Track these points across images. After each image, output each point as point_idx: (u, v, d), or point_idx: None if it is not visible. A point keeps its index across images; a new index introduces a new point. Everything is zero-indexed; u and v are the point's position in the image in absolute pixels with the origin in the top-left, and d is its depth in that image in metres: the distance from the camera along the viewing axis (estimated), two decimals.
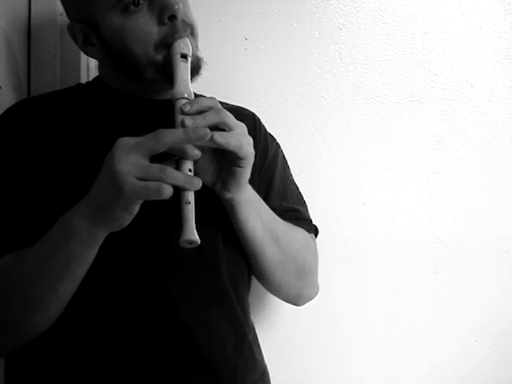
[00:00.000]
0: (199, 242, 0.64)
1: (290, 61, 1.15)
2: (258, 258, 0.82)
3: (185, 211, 0.64)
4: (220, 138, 0.67)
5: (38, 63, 1.00)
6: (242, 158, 0.70)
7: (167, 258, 0.77)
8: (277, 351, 1.11)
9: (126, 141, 0.63)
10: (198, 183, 0.64)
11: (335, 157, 1.16)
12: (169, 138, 0.62)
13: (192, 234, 0.64)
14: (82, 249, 0.68)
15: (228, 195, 0.75)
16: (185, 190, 0.65)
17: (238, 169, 0.72)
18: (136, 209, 0.64)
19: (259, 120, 0.95)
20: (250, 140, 0.72)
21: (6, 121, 0.80)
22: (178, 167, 0.66)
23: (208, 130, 0.64)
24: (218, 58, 1.10)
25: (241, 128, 0.71)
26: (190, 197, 0.65)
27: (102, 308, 0.75)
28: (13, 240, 0.72)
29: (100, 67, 0.85)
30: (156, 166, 0.62)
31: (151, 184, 0.61)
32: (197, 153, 0.65)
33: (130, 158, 0.62)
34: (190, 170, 0.66)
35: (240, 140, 0.69)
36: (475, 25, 1.21)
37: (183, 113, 0.67)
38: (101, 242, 0.68)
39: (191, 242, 0.64)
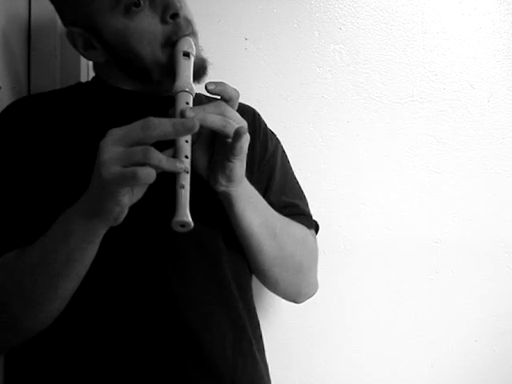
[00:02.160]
0: (192, 224, 0.63)
1: (289, 61, 1.15)
2: (256, 253, 0.81)
3: (178, 195, 0.63)
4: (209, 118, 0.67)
5: (37, 63, 1.00)
6: (233, 152, 0.69)
7: (168, 254, 0.77)
8: (277, 351, 1.11)
9: (114, 132, 0.62)
10: (180, 164, 0.62)
11: (335, 157, 1.16)
12: (156, 131, 0.61)
13: (184, 215, 0.62)
14: (82, 245, 0.67)
15: (221, 188, 0.74)
16: (179, 174, 0.63)
17: (229, 163, 0.71)
18: (124, 200, 0.63)
19: (259, 115, 0.95)
20: (247, 137, 0.72)
21: (5, 118, 0.80)
22: (174, 154, 0.65)
23: (196, 121, 0.62)
24: (218, 58, 1.10)
25: (242, 123, 0.71)
26: (185, 181, 0.64)
27: (102, 304, 0.75)
28: (14, 238, 0.72)
29: (101, 69, 0.84)
30: (137, 149, 0.60)
31: (127, 169, 0.59)
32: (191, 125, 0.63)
33: (114, 148, 0.61)
34: (186, 157, 0.65)
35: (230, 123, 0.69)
36: (475, 25, 1.21)
37: (182, 116, 0.67)
38: (101, 237, 0.68)
39: (183, 224, 0.63)
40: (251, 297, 0.89)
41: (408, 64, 1.19)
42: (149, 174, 0.59)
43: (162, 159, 0.60)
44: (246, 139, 0.70)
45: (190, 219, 0.63)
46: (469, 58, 1.21)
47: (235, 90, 0.72)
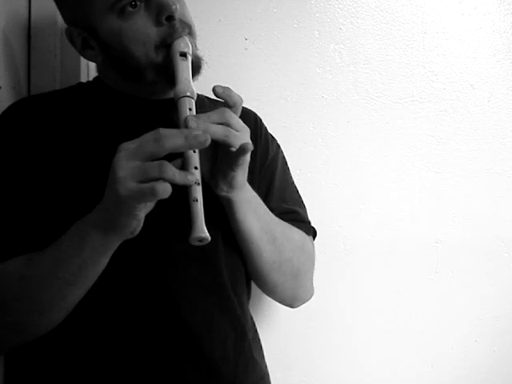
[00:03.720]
0: (209, 238, 0.64)
1: (290, 61, 1.15)
2: (255, 257, 0.82)
3: (193, 209, 0.64)
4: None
5: (37, 63, 1.00)
6: (236, 163, 0.70)
7: (168, 258, 0.77)
8: (277, 351, 1.11)
9: (127, 146, 0.63)
10: (191, 177, 0.63)
11: (335, 157, 1.16)
12: (169, 143, 0.61)
13: (202, 231, 0.63)
14: (95, 257, 0.68)
15: (222, 193, 0.75)
16: (191, 187, 0.64)
17: (231, 172, 0.72)
18: (140, 214, 0.64)
19: (260, 120, 0.95)
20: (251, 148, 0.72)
21: (6, 119, 0.79)
22: (183, 165, 0.65)
23: (208, 135, 0.63)
24: (218, 58, 1.10)
25: (245, 131, 0.71)
26: (197, 194, 0.64)
27: (102, 308, 0.75)
28: (19, 243, 0.72)
29: (99, 70, 0.85)
30: (153, 164, 0.61)
31: (145, 185, 0.60)
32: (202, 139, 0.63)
33: (129, 164, 0.61)
34: (195, 168, 0.65)
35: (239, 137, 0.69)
36: (475, 25, 1.21)
37: (186, 126, 0.67)
38: (114, 249, 0.68)
39: (201, 239, 0.64)
40: (247, 299, 0.89)
41: (408, 64, 1.19)
42: (166, 189, 0.60)
43: (175, 173, 0.61)
44: (250, 152, 0.70)
45: (207, 234, 0.64)
46: (469, 58, 1.21)
47: (239, 96, 0.72)
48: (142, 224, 0.66)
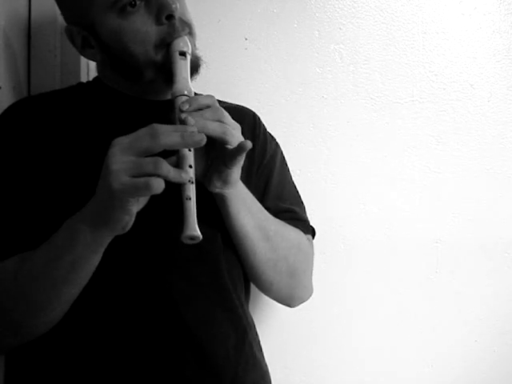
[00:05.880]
0: (201, 237, 0.64)
1: (290, 61, 1.15)
2: (249, 255, 0.82)
3: (186, 207, 0.64)
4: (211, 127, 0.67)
5: (37, 63, 1.00)
6: (233, 161, 0.70)
7: (168, 257, 0.77)
8: (277, 351, 1.11)
9: (121, 140, 0.63)
10: (185, 175, 0.63)
11: (335, 157, 1.16)
12: (165, 140, 0.61)
13: (194, 229, 0.63)
14: (87, 253, 0.68)
15: (215, 190, 0.75)
16: (184, 185, 0.64)
17: (226, 169, 0.72)
18: (133, 209, 0.64)
19: (259, 119, 0.95)
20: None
21: (6, 119, 0.79)
22: (178, 163, 0.65)
23: (204, 135, 0.63)
24: (218, 58, 1.10)
25: (238, 129, 0.71)
26: (191, 192, 0.64)
27: (103, 307, 0.75)
28: (14, 243, 0.72)
29: (99, 69, 0.85)
30: (148, 160, 0.61)
31: (139, 179, 0.60)
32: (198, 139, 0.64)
33: (123, 158, 0.61)
34: (190, 166, 0.65)
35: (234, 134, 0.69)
36: (475, 25, 1.21)
37: (182, 111, 0.67)
38: (106, 245, 0.68)
39: (193, 237, 0.64)
40: (247, 299, 0.89)
41: (408, 64, 1.19)
42: (160, 185, 0.59)
43: (170, 170, 0.61)
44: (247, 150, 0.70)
45: (199, 232, 0.63)
46: (469, 58, 1.21)
47: (209, 96, 0.71)
48: (133, 219, 0.65)
